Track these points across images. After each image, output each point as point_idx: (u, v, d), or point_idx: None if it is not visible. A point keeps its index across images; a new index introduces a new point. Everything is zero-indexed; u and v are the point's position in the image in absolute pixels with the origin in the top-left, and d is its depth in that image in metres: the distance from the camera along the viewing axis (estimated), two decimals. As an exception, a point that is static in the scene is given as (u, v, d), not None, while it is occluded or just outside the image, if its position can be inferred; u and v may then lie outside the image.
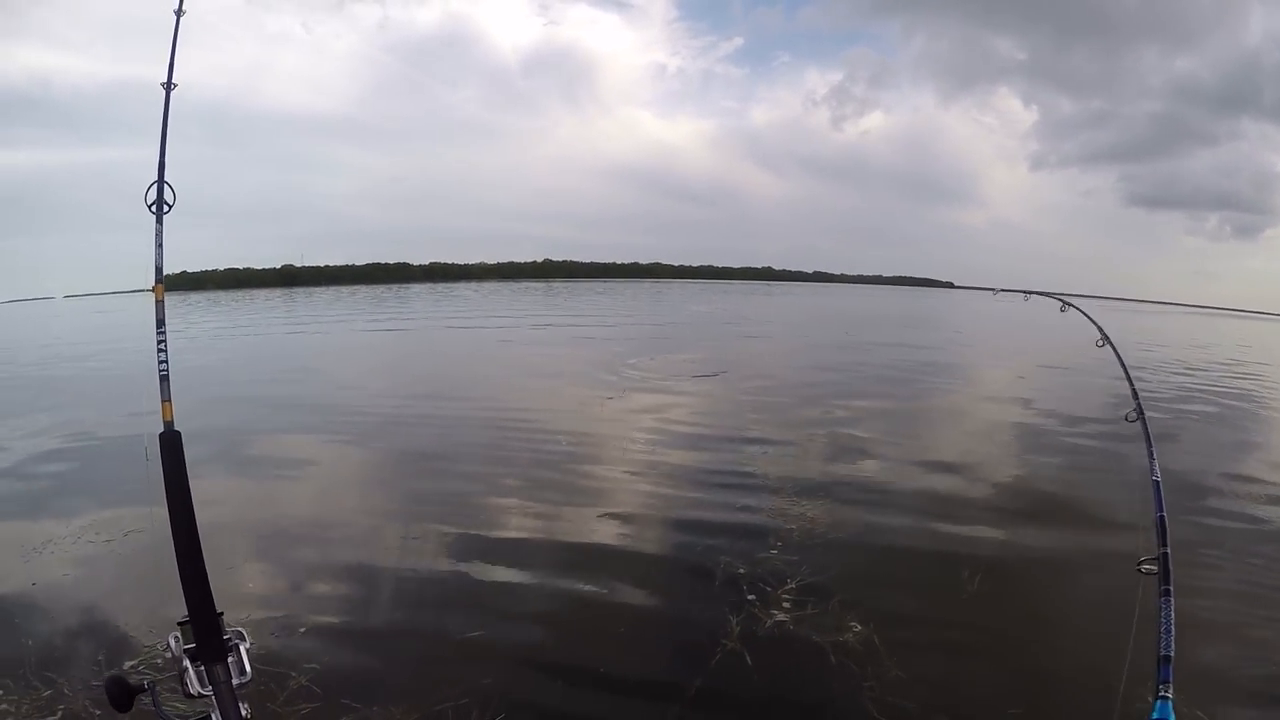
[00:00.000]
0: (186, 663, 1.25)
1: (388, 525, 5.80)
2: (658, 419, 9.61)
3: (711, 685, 3.41)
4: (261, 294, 68.85)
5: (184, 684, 1.24)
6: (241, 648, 1.31)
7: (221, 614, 1.31)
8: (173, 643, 1.27)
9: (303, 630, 4.06)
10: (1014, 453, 8.29)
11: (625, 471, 7.18)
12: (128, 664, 3.69)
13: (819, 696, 3.39)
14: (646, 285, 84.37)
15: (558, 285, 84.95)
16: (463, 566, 4.93)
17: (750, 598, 4.26)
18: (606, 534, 5.46)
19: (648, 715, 3.24)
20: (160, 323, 1.59)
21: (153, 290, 1.61)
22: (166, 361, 1.55)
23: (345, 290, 71.58)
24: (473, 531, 5.53)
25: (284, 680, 3.50)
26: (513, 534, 5.52)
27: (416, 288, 76.42)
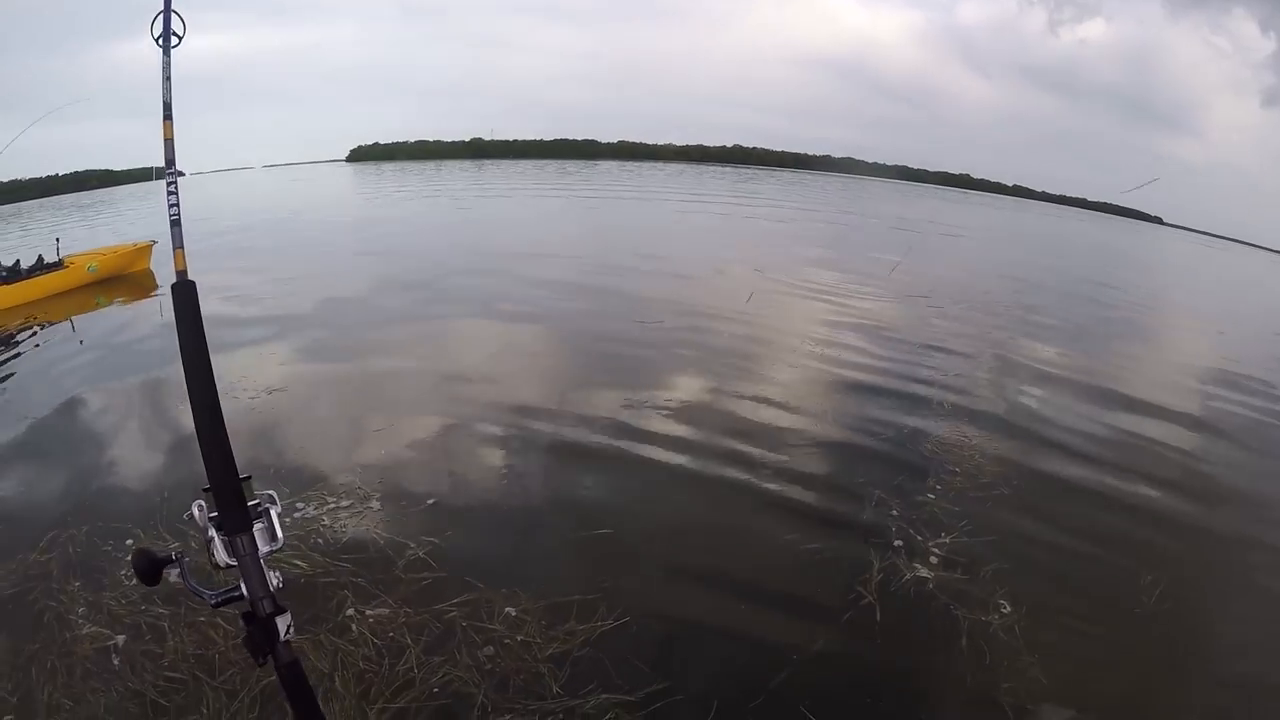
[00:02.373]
0: (212, 532, 1.20)
1: (539, 404, 5.94)
2: (836, 322, 9.29)
3: (834, 646, 3.23)
4: (453, 164, 72.01)
5: (210, 554, 1.20)
6: (272, 513, 1.24)
7: (248, 478, 1.24)
8: (196, 511, 1.21)
9: (431, 502, 4.27)
10: (1224, 431, 6.75)
11: (791, 375, 6.98)
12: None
13: (946, 683, 3.09)
14: (838, 180, 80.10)
15: (747, 171, 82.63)
16: (607, 456, 5.03)
17: (897, 543, 4.01)
18: (759, 441, 5.33)
19: (768, 658, 3.15)
20: (169, 163, 1.45)
21: (161, 128, 1.45)
22: (178, 205, 1.41)
23: (532, 164, 73.44)
24: (623, 421, 5.60)
25: (402, 549, 3.72)
26: (662, 427, 5.53)
27: (603, 165, 76.96)
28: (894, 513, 4.34)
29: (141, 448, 5.03)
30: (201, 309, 1.30)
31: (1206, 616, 3.73)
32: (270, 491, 1.26)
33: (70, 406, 5.95)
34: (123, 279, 11.79)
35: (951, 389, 6.74)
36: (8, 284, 10.19)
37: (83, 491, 4.44)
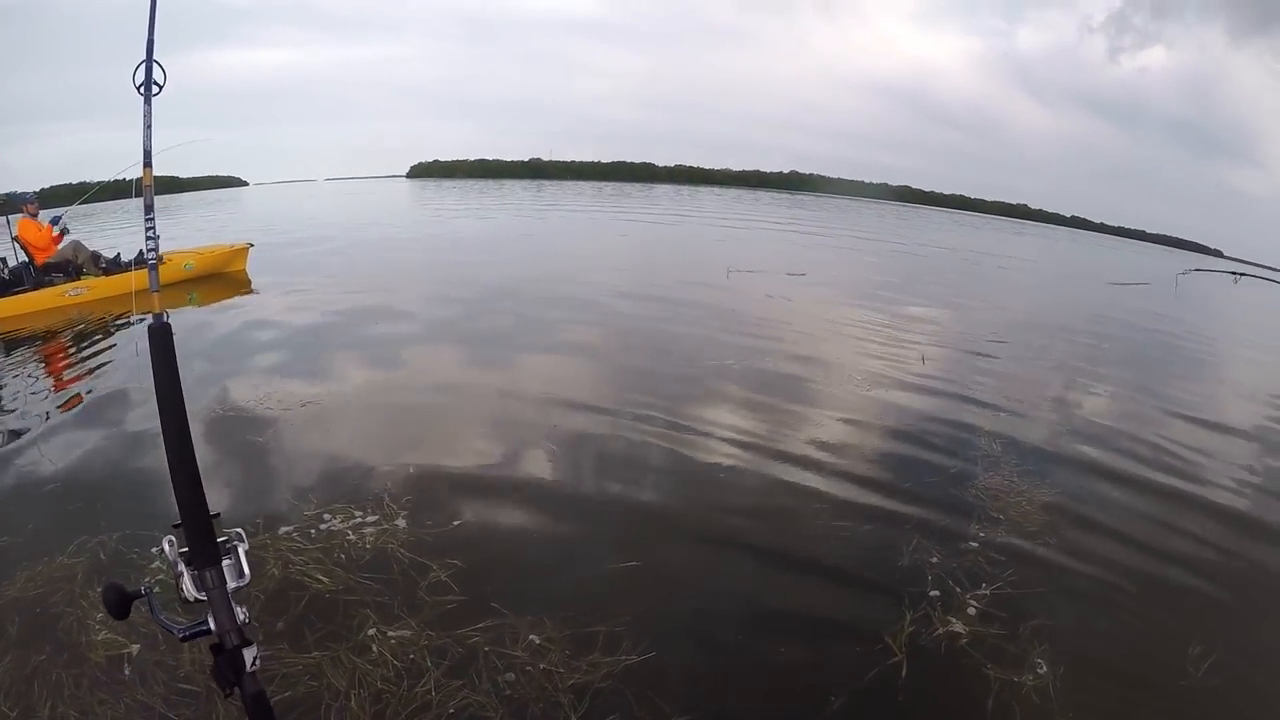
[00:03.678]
0: (182, 567, 1.24)
1: (576, 426, 5.94)
2: (884, 356, 9.03)
3: (857, 701, 3.08)
4: (515, 184, 73.20)
5: (180, 589, 1.24)
6: (240, 549, 1.28)
7: (217, 515, 1.29)
8: (167, 547, 1.25)
9: (457, 523, 4.26)
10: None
11: (832, 411, 6.79)
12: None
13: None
14: (893, 208, 79.23)
15: (803, 198, 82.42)
16: (642, 486, 4.99)
17: (933, 594, 3.83)
18: (798, 472, 5.25)
19: (790, 710, 3.07)
20: (149, 209, 1.52)
21: (141, 175, 1.52)
22: (156, 250, 1.52)
23: (591, 185, 74.32)
24: (663, 448, 5.55)
25: (425, 570, 3.72)
26: (706, 456, 5.47)
27: (661, 188, 77.43)
28: (933, 560, 4.17)
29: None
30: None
31: (1260, 696, 3.43)
32: (239, 529, 1.30)
33: (124, 404, 6.13)
34: (219, 278, 12.61)
35: (1001, 431, 6.46)
36: (108, 274, 10.91)
37: (119, 494, 4.51)
